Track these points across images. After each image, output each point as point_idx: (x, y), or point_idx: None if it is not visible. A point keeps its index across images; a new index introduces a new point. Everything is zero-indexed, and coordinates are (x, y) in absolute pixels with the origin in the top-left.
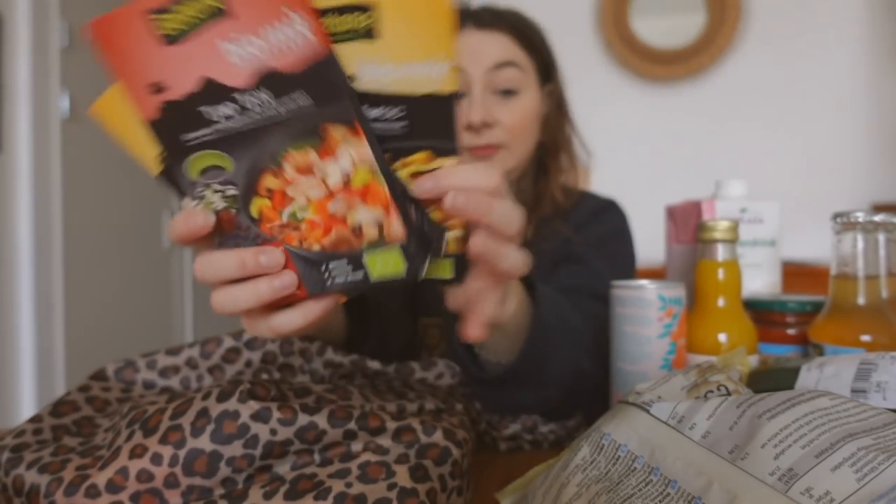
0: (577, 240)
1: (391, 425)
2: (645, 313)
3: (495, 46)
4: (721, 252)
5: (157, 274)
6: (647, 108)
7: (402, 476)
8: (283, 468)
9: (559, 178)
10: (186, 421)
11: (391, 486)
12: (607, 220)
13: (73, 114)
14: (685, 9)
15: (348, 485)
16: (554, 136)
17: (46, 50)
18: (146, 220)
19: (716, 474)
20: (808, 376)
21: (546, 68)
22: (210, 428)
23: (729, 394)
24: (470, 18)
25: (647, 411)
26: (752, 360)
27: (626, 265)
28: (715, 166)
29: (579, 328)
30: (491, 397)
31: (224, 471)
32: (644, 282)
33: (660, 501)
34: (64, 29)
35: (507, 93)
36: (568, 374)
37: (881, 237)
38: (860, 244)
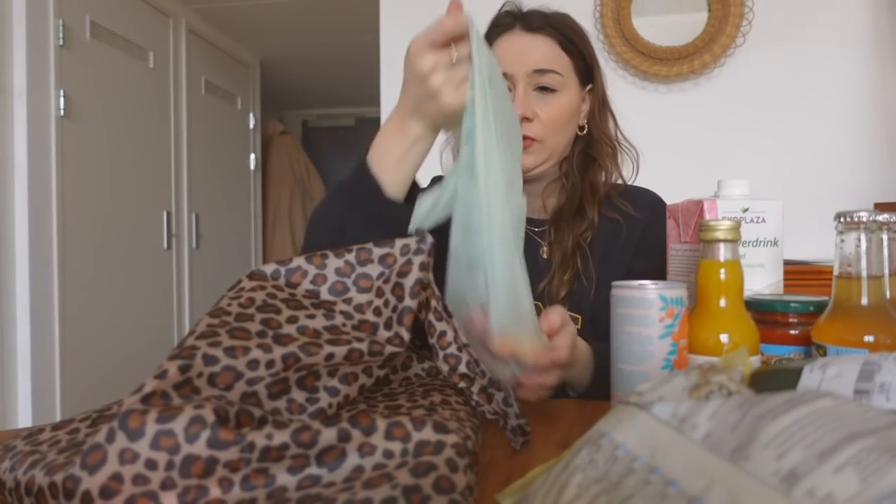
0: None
1: (381, 424)
2: (646, 314)
3: (539, 50)
4: (723, 252)
5: (156, 273)
6: (648, 107)
7: (404, 477)
8: (283, 476)
9: (607, 167)
10: (179, 426)
11: (394, 487)
12: (661, 213)
13: (69, 111)
14: (687, 7)
15: (353, 494)
16: (600, 130)
17: (42, 48)
18: (145, 219)
19: (717, 475)
20: (811, 377)
21: (588, 70)
22: (205, 434)
23: (731, 395)
24: (519, 21)
25: (649, 412)
26: (754, 361)
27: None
28: (716, 165)
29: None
30: None
31: (221, 472)
32: (645, 282)
33: (660, 502)
34: (59, 27)
35: (547, 90)
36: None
37: (884, 237)
38: (863, 244)
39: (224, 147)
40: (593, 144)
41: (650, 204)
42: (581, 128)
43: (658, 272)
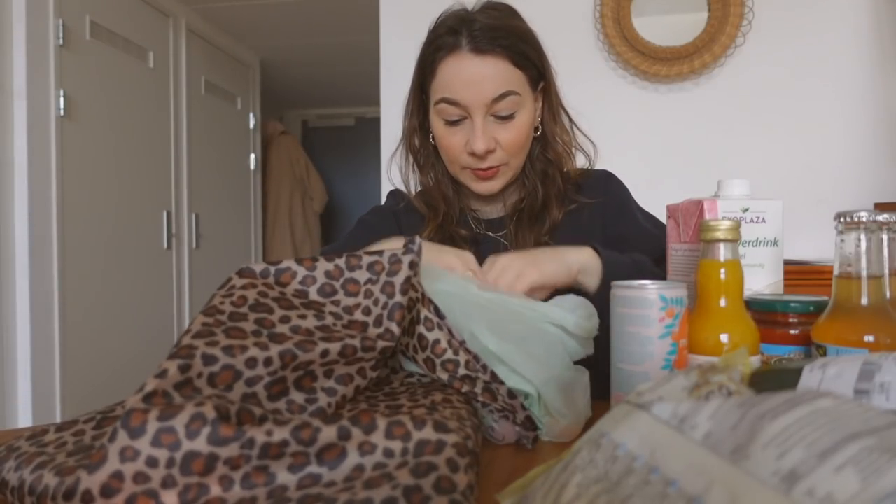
0: (610, 216)
1: (382, 422)
2: (646, 313)
3: (494, 77)
4: (723, 252)
5: (156, 273)
6: (649, 107)
7: (404, 477)
8: (283, 474)
9: (562, 167)
10: (180, 423)
11: (394, 487)
12: (615, 186)
13: (69, 111)
14: (687, 7)
15: (354, 493)
16: (554, 133)
17: (42, 48)
18: (145, 219)
19: (717, 475)
20: (811, 377)
21: (539, 74)
22: (206, 431)
23: (731, 394)
24: (466, 40)
25: (649, 412)
26: (754, 361)
27: (648, 215)
28: (716, 165)
29: (643, 261)
30: None
31: (221, 470)
32: (645, 282)
33: (659, 502)
34: (59, 27)
35: (506, 117)
36: None
37: (884, 237)
38: (863, 244)
39: (224, 147)
40: (549, 148)
41: (602, 184)
42: (536, 129)
43: (638, 231)
